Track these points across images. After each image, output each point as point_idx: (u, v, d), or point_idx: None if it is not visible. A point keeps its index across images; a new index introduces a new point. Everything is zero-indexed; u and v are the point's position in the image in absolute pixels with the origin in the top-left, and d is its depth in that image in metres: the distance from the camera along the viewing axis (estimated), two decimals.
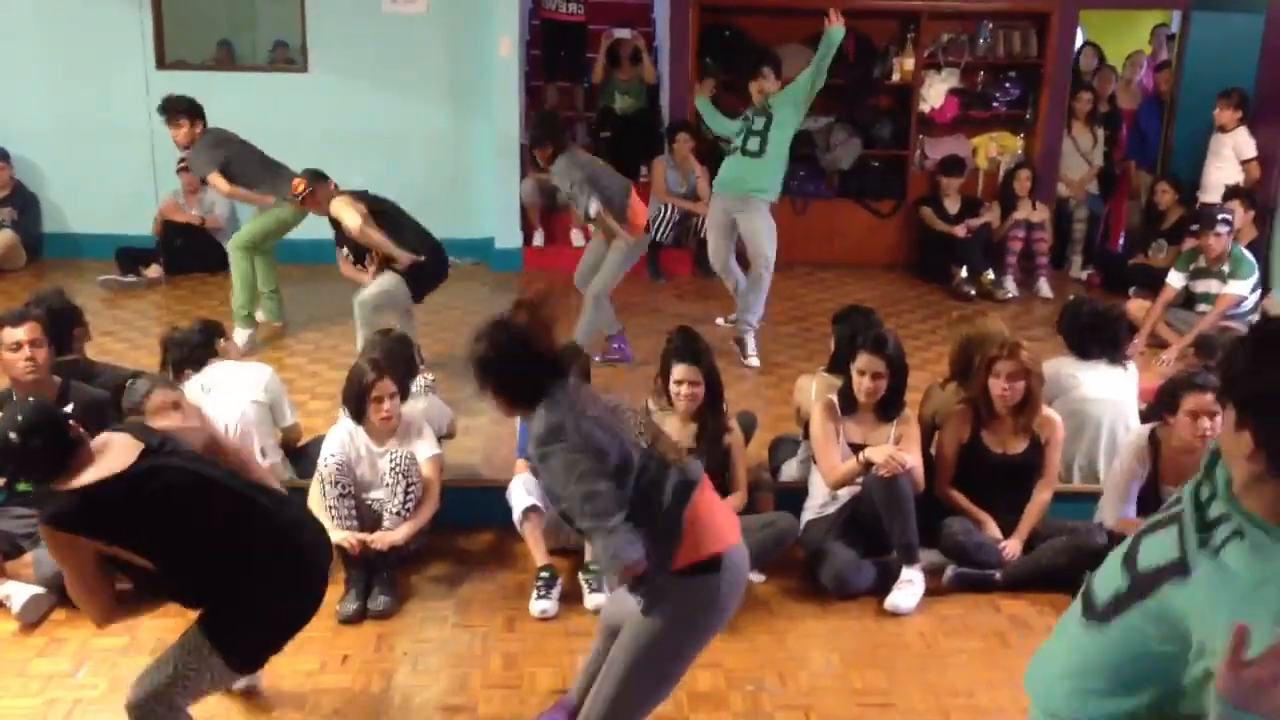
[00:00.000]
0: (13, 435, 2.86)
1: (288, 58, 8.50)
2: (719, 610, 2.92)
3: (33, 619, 3.97)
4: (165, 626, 3.96)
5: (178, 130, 6.64)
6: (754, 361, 6.60)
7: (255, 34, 8.61)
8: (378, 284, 5.95)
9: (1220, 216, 6.91)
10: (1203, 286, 6.99)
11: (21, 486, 4.32)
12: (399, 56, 8.29)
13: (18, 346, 4.24)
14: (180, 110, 6.61)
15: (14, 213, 8.18)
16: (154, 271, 7.96)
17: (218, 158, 6.62)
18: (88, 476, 2.89)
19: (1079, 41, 9.60)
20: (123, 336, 6.73)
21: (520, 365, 2.86)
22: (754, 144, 6.57)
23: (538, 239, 8.64)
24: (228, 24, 8.62)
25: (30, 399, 3.10)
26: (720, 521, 2.92)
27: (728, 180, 6.71)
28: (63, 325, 4.81)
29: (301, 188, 6.00)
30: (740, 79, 6.84)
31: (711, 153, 8.63)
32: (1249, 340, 1.74)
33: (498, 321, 2.91)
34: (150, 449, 3.00)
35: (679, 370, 4.40)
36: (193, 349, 4.81)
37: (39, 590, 4.01)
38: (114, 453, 2.96)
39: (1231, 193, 7.53)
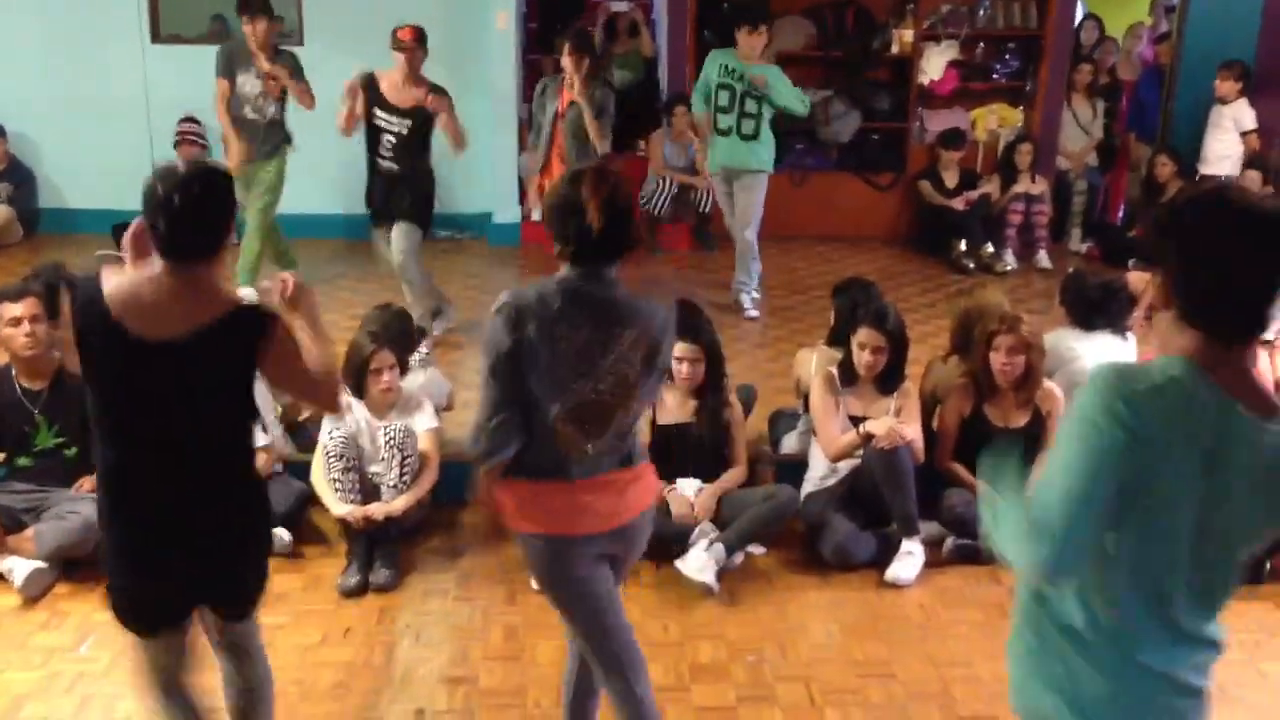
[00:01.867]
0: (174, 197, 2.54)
1: (283, 31, 8.43)
2: (549, 577, 2.82)
3: (35, 593, 3.98)
4: None
5: (255, 25, 6.49)
6: (753, 313, 6.94)
7: (246, 6, 8.53)
8: (401, 236, 6.03)
9: None
10: None
11: (22, 461, 4.32)
12: (395, 25, 8.22)
13: (16, 322, 4.22)
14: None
15: (10, 188, 8.15)
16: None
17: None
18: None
19: (1080, 14, 9.56)
20: None
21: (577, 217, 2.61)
22: (749, 127, 6.71)
23: (536, 214, 8.61)
24: None
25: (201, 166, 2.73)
26: (565, 508, 2.71)
27: (728, 160, 6.83)
28: (61, 300, 4.79)
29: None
30: (732, 28, 6.84)
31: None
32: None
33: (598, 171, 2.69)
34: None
35: (679, 348, 4.40)
36: None
37: (41, 564, 4.02)
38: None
39: (1249, 164, 7.51)
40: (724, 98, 6.71)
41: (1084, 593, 1.90)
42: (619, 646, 2.88)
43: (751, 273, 7.01)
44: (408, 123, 6.03)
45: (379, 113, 6.03)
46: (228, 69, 6.55)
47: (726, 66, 6.69)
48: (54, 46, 8.12)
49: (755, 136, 6.73)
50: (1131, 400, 1.76)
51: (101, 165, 8.06)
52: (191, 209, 2.55)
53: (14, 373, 4.34)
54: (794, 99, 6.72)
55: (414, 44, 6.04)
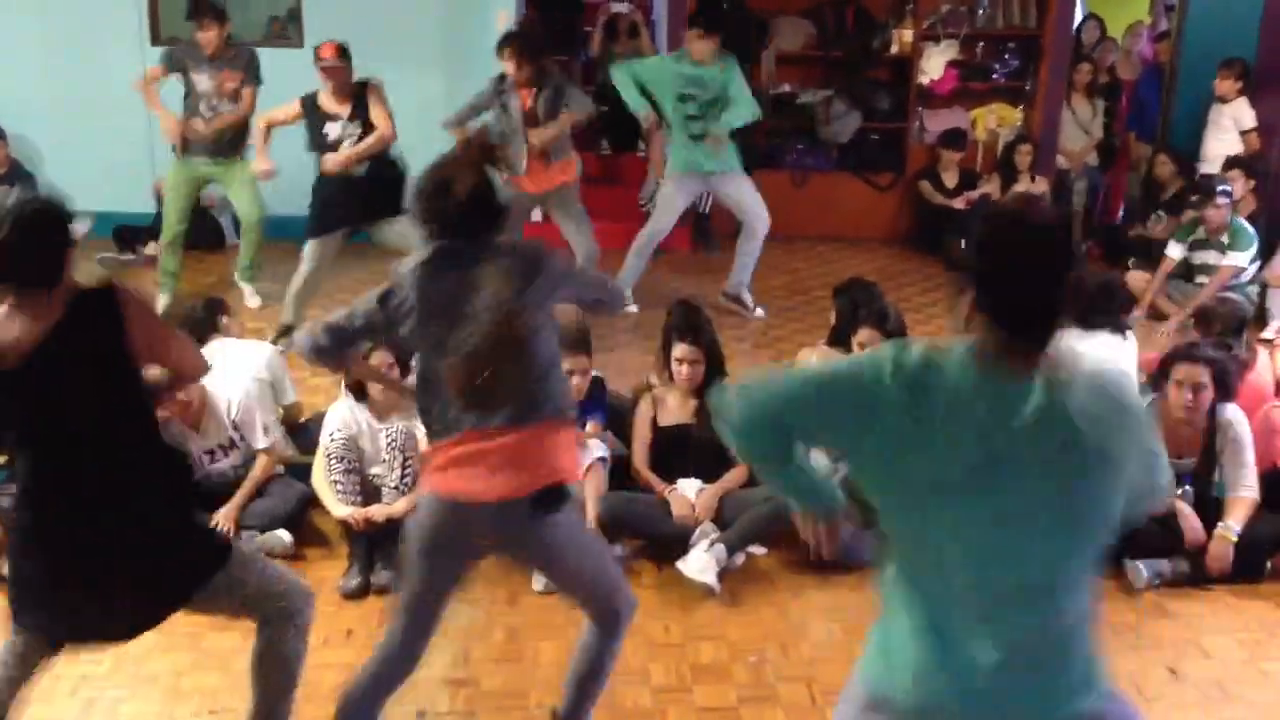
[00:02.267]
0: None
1: (283, 33, 8.45)
2: (427, 535, 2.87)
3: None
4: None
5: (207, 32, 6.58)
6: (759, 312, 7.00)
7: (250, 9, 8.54)
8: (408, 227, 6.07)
9: (1220, 188, 6.89)
10: (1202, 258, 6.98)
11: None
12: (395, 31, 8.24)
13: None
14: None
15: (10, 191, 8.12)
16: (152, 249, 7.93)
17: None
18: None
19: (1080, 13, 9.56)
20: None
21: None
22: (702, 127, 6.72)
23: (536, 214, 8.59)
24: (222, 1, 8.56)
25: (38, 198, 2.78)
26: (452, 470, 2.77)
27: (700, 161, 6.78)
28: None
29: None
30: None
31: None
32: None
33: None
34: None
35: (679, 349, 4.42)
36: (195, 325, 4.82)
37: None
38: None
39: (1231, 163, 7.51)
40: (691, 107, 6.67)
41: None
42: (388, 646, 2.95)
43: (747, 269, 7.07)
44: (356, 125, 6.07)
45: (329, 126, 6.06)
46: (174, 64, 6.66)
47: (684, 76, 6.62)
48: (54, 49, 8.12)
49: (732, 137, 6.76)
50: (901, 361, 1.89)
51: (102, 168, 8.07)
52: (22, 240, 2.57)
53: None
54: (747, 111, 6.71)
55: (337, 60, 6.05)
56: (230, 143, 6.78)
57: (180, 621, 3.80)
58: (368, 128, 6.04)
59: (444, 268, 2.76)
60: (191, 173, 6.83)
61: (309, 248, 6.16)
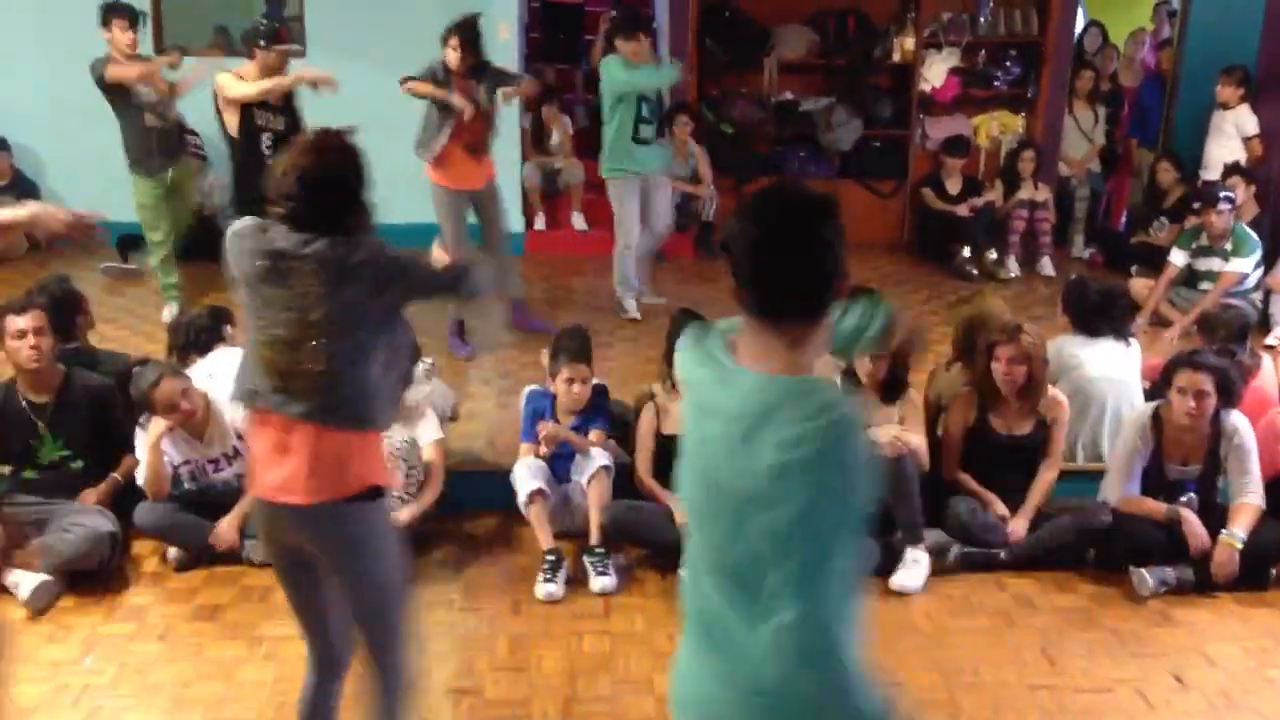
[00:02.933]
0: None
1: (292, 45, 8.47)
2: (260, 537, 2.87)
3: (40, 606, 3.98)
4: (174, 613, 3.99)
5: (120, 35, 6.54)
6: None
7: (252, 18, 8.56)
8: None
9: (1222, 194, 6.89)
10: (1205, 264, 6.97)
11: (28, 474, 4.34)
12: (397, 39, 8.24)
13: (21, 335, 4.24)
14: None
15: (14, 201, 8.14)
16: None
17: None
18: None
19: (1082, 21, 9.56)
20: (124, 324, 6.72)
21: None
22: (654, 131, 6.82)
23: (539, 223, 8.63)
24: (225, 8, 8.57)
25: None
26: (258, 464, 2.71)
27: (660, 167, 6.93)
28: (66, 313, 4.81)
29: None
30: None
31: (710, 135, 8.63)
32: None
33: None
34: None
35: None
36: (199, 334, 4.82)
37: (46, 578, 4.02)
38: None
39: (1232, 170, 7.50)
40: (646, 110, 6.69)
41: None
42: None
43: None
44: (283, 118, 6.02)
45: (258, 111, 5.96)
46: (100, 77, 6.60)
47: (638, 78, 6.64)
48: (58, 59, 8.12)
49: (663, 137, 6.97)
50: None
51: (105, 177, 8.05)
52: None
53: (19, 386, 4.35)
54: (669, 77, 6.92)
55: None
56: (180, 140, 6.84)
57: (184, 631, 3.82)
58: (293, 120, 5.99)
59: (256, 253, 2.63)
60: (158, 185, 6.74)
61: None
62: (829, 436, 1.72)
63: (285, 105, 6.01)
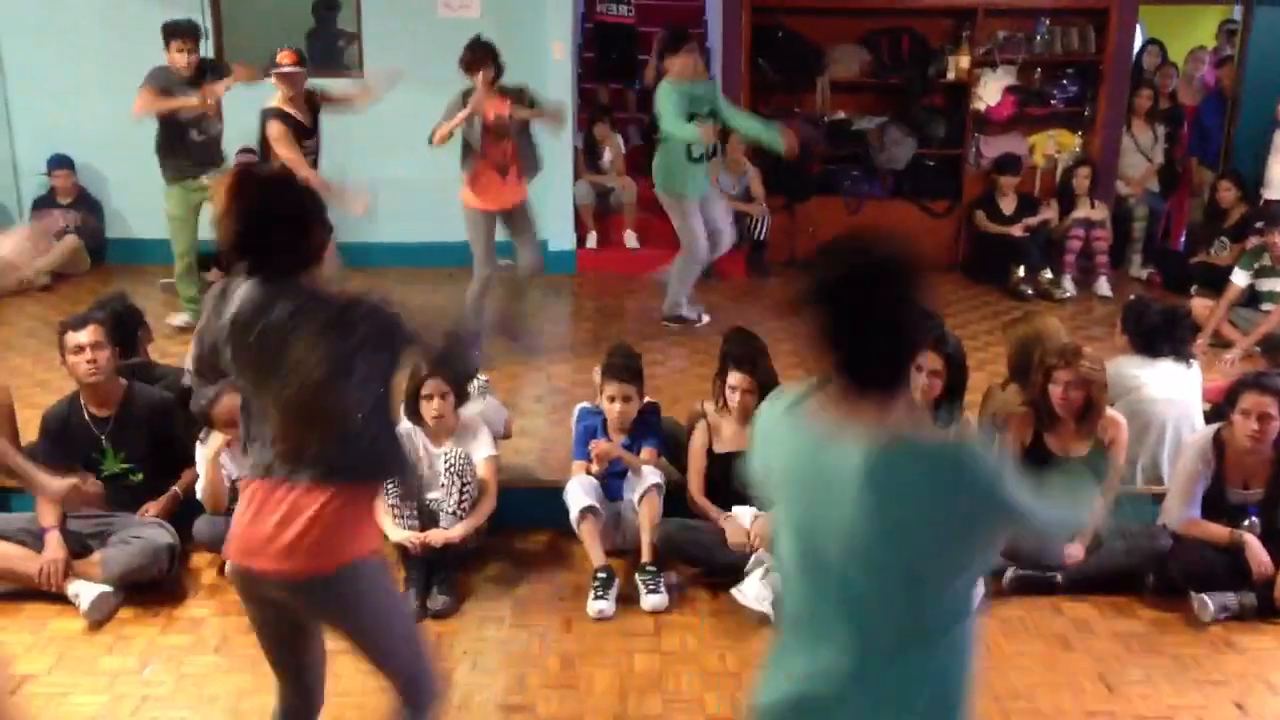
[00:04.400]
0: None
1: (343, 62, 8.59)
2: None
3: (100, 617, 4.04)
4: (231, 625, 4.03)
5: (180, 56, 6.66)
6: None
7: (312, 40, 8.69)
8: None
9: None
10: (1268, 285, 6.86)
11: None
12: (453, 60, 8.31)
13: (80, 349, 4.32)
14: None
15: (78, 218, 8.33)
16: (214, 275, 8.07)
17: None
18: None
19: (1141, 39, 9.45)
20: (184, 340, 6.81)
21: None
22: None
23: (591, 240, 8.66)
24: (285, 30, 8.70)
25: None
26: (236, 529, 2.63)
27: (700, 183, 6.97)
28: (127, 328, 4.91)
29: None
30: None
31: (764, 154, 8.62)
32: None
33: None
34: None
35: (734, 377, 4.42)
36: None
37: (106, 589, 4.08)
38: None
39: None
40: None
41: None
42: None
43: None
44: (313, 140, 6.20)
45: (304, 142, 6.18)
46: (160, 86, 6.69)
47: (694, 96, 6.66)
48: (121, 80, 8.25)
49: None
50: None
51: None
52: None
53: (82, 400, 4.43)
54: (749, 120, 6.99)
55: (296, 66, 6.15)
56: (220, 153, 6.92)
57: (241, 643, 3.86)
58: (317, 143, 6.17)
59: (251, 320, 2.54)
60: (189, 196, 6.88)
61: None
62: (955, 479, 1.79)
63: (314, 127, 6.21)
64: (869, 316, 1.79)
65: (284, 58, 6.15)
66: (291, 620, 2.71)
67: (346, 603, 2.64)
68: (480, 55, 6.11)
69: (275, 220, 2.56)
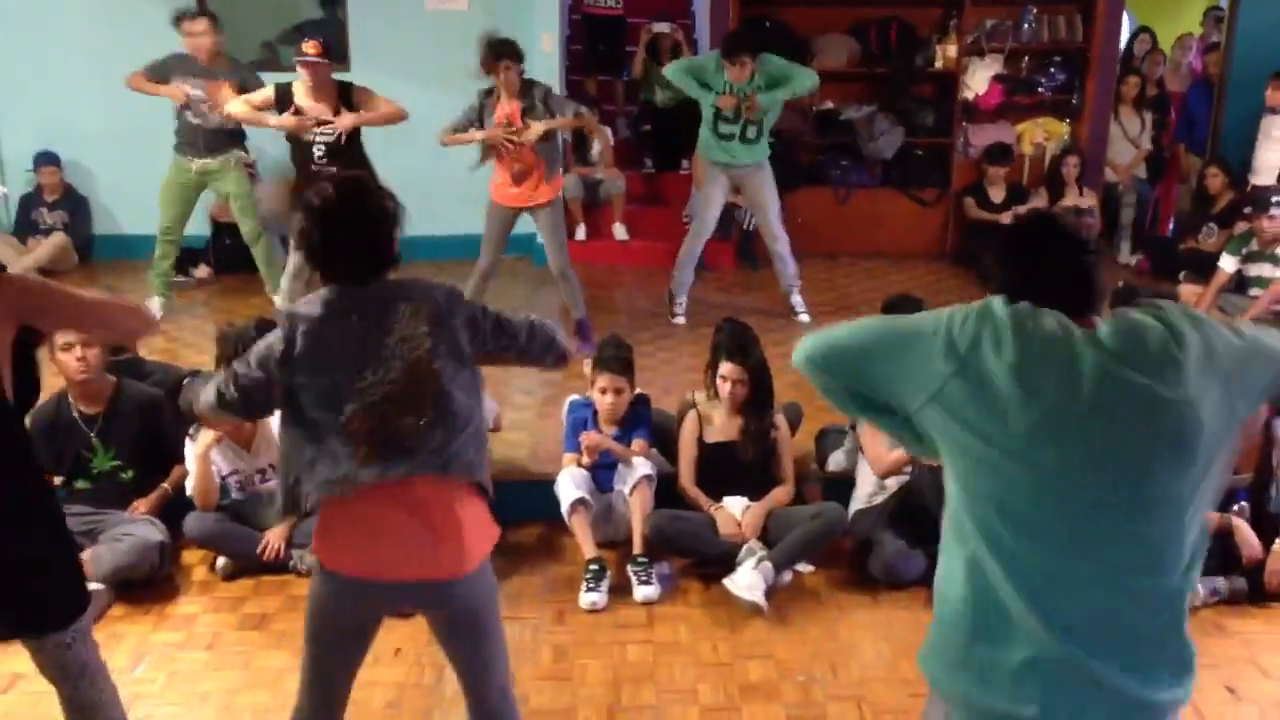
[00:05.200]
0: None
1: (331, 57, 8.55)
2: (319, 615, 2.63)
3: (92, 615, 4.02)
4: (223, 622, 4.03)
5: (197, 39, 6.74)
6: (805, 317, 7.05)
7: (299, 34, 8.67)
8: None
9: (1274, 199, 6.79)
10: (1255, 270, 6.87)
11: (80, 484, 4.40)
12: (441, 53, 8.32)
13: (69, 347, 4.31)
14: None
15: (65, 215, 8.31)
16: (203, 271, 8.10)
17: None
18: None
19: (1127, 25, 9.46)
20: (173, 335, 6.82)
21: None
22: (751, 133, 6.77)
23: (580, 233, 8.65)
24: (272, 25, 8.68)
25: None
26: (352, 543, 2.53)
27: (735, 159, 6.85)
28: None
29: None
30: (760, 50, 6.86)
31: None
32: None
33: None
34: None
35: (725, 367, 4.43)
36: (247, 345, 4.86)
37: (98, 586, 4.06)
38: None
39: None
40: (726, 111, 6.70)
41: None
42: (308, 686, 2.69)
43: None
44: (329, 127, 6.12)
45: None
46: (160, 74, 6.83)
47: (732, 87, 6.64)
48: (108, 76, 8.25)
49: (756, 140, 6.79)
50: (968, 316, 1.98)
51: (154, 191, 8.19)
52: None
53: (71, 398, 4.42)
54: (798, 78, 6.72)
55: (319, 57, 6.08)
56: (228, 135, 6.91)
57: (232, 640, 3.86)
58: (340, 133, 6.09)
59: (343, 313, 2.52)
60: (186, 175, 6.93)
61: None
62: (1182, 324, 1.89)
63: (334, 117, 6.14)
64: (1065, 257, 1.98)
65: (309, 47, 6.10)
66: (364, 638, 2.68)
67: (484, 601, 2.64)
68: (499, 53, 6.03)
69: (369, 226, 2.55)
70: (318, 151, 6.12)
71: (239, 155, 7.09)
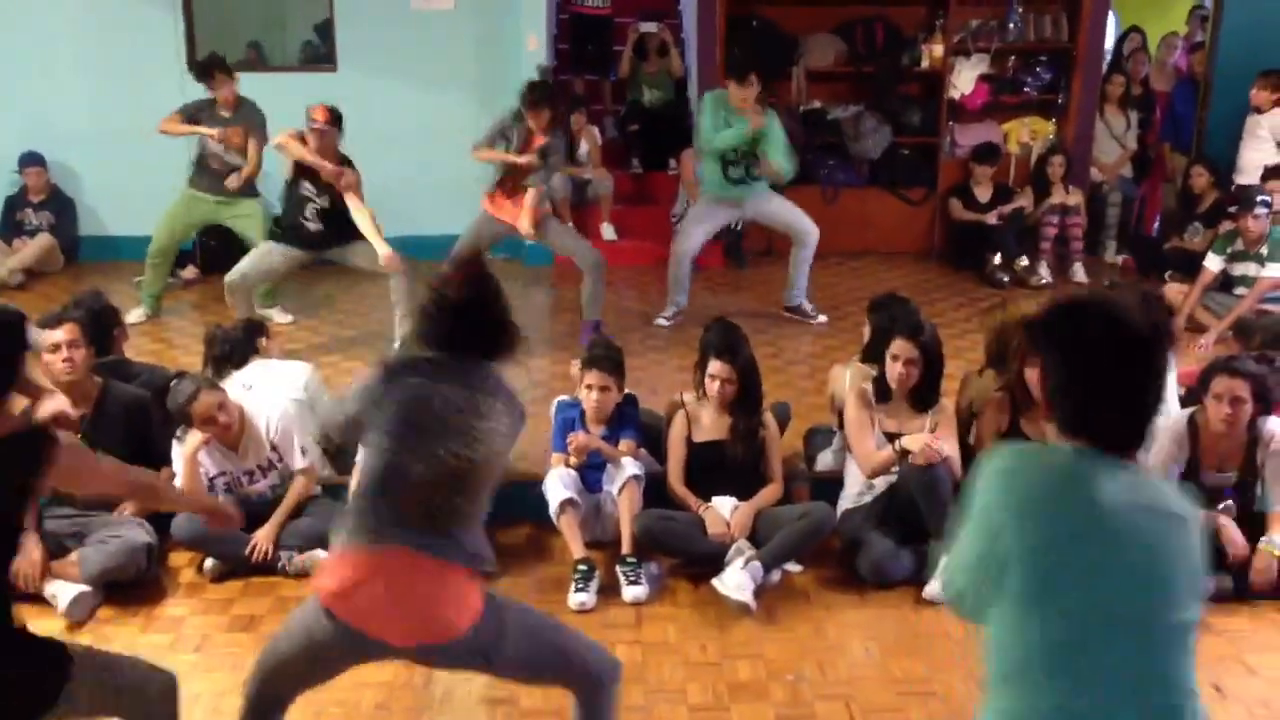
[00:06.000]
0: None
1: (317, 57, 8.55)
2: (306, 642, 2.74)
3: (80, 617, 4.02)
4: (210, 624, 4.02)
5: (222, 88, 6.89)
6: (822, 318, 7.17)
7: (284, 34, 8.66)
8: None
9: (1259, 198, 6.83)
10: (1240, 269, 6.91)
11: None
12: (427, 53, 8.32)
13: (55, 348, 4.30)
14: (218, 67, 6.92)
15: (51, 217, 8.27)
16: (190, 272, 8.07)
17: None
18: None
19: (1112, 25, 9.49)
20: (160, 337, 6.80)
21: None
22: (754, 171, 6.81)
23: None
24: (258, 24, 8.67)
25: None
26: (356, 593, 2.62)
27: (747, 194, 6.93)
28: (102, 326, 4.88)
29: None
30: (767, 73, 6.86)
31: None
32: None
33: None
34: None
35: (714, 366, 4.43)
36: (235, 346, 4.87)
37: (85, 588, 4.06)
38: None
39: (1270, 173, 7.43)
40: (731, 154, 6.72)
41: None
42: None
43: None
44: (327, 197, 6.20)
45: (304, 180, 6.20)
46: (190, 118, 6.96)
47: (728, 120, 6.64)
48: (94, 76, 8.25)
49: (761, 177, 6.85)
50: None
51: (140, 192, 8.17)
52: None
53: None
54: (783, 157, 6.76)
55: (327, 125, 6.13)
56: (246, 186, 7.06)
57: (221, 641, 3.85)
58: (335, 201, 6.16)
59: (435, 379, 2.72)
60: (195, 210, 7.07)
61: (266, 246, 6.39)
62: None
63: (326, 185, 6.20)
64: (1127, 382, 1.92)
65: (317, 113, 6.13)
66: (352, 666, 2.85)
67: (496, 634, 2.75)
68: (543, 97, 6.23)
69: (491, 317, 2.83)
70: (310, 210, 6.23)
71: (262, 203, 7.19)
